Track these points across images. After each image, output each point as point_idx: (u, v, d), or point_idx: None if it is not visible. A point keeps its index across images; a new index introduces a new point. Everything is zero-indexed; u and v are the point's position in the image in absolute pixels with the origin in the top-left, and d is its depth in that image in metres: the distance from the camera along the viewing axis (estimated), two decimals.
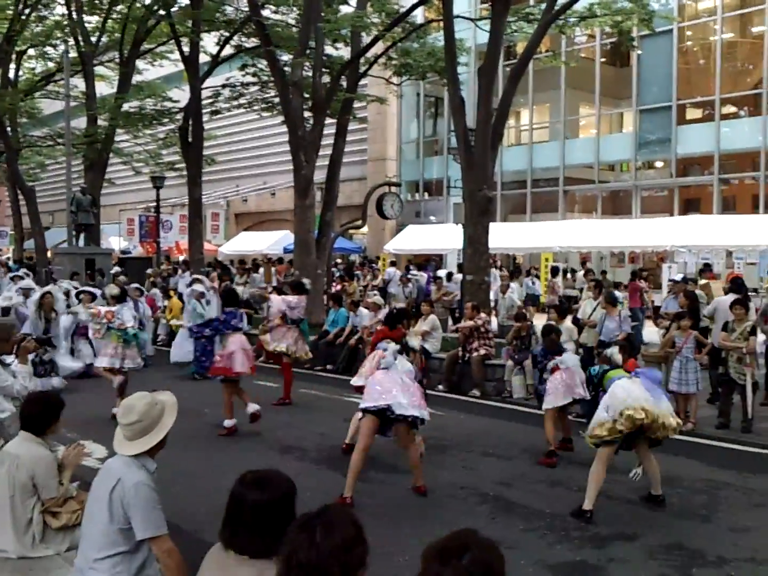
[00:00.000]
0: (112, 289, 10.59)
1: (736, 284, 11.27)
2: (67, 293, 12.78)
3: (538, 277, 19.16)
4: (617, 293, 12.19)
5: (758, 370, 9.79)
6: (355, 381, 8.33)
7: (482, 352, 11.64)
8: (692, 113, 26.47)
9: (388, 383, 6.51)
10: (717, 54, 24.27)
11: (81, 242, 21.97)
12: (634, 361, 9.67)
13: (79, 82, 26.18)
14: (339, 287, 18.55)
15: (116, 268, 17.56)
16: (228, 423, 9.07)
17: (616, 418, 6.07)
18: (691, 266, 21.37)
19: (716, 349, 9.75)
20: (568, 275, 21.47)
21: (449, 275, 18.29)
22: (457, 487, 6.99)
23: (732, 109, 25.59)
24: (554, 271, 20.29)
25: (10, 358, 5.63)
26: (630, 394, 6.12)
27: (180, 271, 21.11)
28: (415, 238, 28.10)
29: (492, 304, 15.05)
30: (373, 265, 24.76)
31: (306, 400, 11.17)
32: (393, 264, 24.94)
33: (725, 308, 10.45)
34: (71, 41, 24.81)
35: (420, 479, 6.75)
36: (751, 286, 17.97)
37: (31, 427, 4.30)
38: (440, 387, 11.99)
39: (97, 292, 12.90)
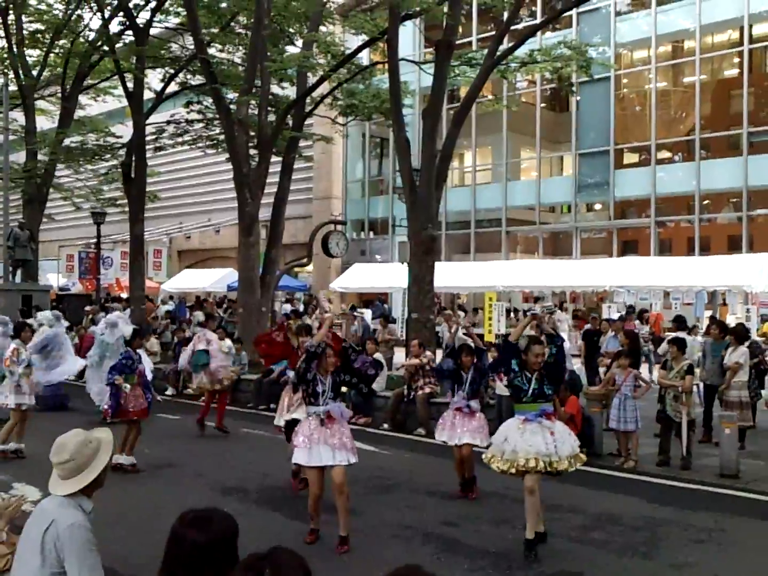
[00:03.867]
0: None
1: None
2: None
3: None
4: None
5: (696, 408, 9.99)
6: (277, 421, 8.33)
7: (427, 390, 11.63)
8: (629, 158, 27.32)
9: (313, 433, 6.32)
10: (652, 101, 25.19)
11: (18, 278, 21.41)
12: (576, 399, 9.86)
13: (18, 116, 25.73)
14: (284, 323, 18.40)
15: None
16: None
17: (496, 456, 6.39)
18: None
19: None
20: (512, 315, 21.69)
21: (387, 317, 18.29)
22: (401, 526, 6.91)
23: (667, 154, 26.51)
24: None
25: None
26: (510, 441, 6.26)
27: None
28: (360, 277, 28.15)
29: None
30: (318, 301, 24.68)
31: (249, 440, 10.99)
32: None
33: None
34: (11, 74, 24.42)
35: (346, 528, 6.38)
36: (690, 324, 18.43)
37: None
38: (385, 426, 11.92)
39: (7, 318, 12.56)
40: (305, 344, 6.84)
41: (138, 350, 9.74)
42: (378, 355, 12.97)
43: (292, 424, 7.41)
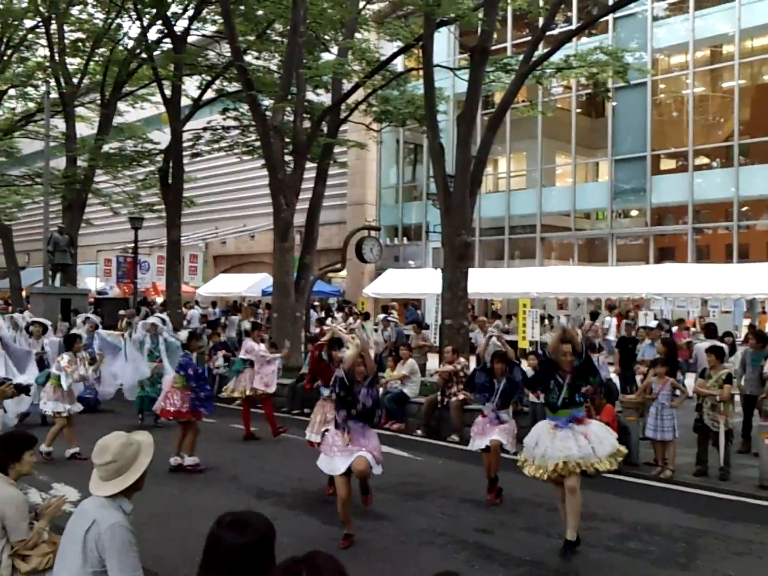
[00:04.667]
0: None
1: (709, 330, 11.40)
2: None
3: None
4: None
5: (734, 417, 9.82)
6: (309, 436, 8.37)
7: (461, 396, 11.59)
8: (666, 164, 27.00)
9: (336, 444, 6.60)
10: (689, 107, 24.88)
11: (57, 282, 21.79)
12: (611, 407, 9.76)
13: (59, 123, 26.22)
14: (318, 330, 18.48)
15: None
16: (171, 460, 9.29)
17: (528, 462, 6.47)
18: (667, 314, 21.60)
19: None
20: (546, 321, 21.55)
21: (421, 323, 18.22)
22: (435, 533, 6.90)
23: (705, 160, 26.14)
24: (593, 315, 19.82)
25: None
26: (540, 446, 6.29)
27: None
28: (393, 282, 28.16)
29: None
30: (352, 307, 24.73)
31: (283, 445, 11.03)
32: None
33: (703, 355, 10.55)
34: (52, 82, 24.91)
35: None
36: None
37: None
38: (419, 432, 11.90)
39: (48, 322, 12.89)
40: (336, 373, 6.91)
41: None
42: (411, 362, 12.98)
43: None
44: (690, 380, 12.11)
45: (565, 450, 6.11)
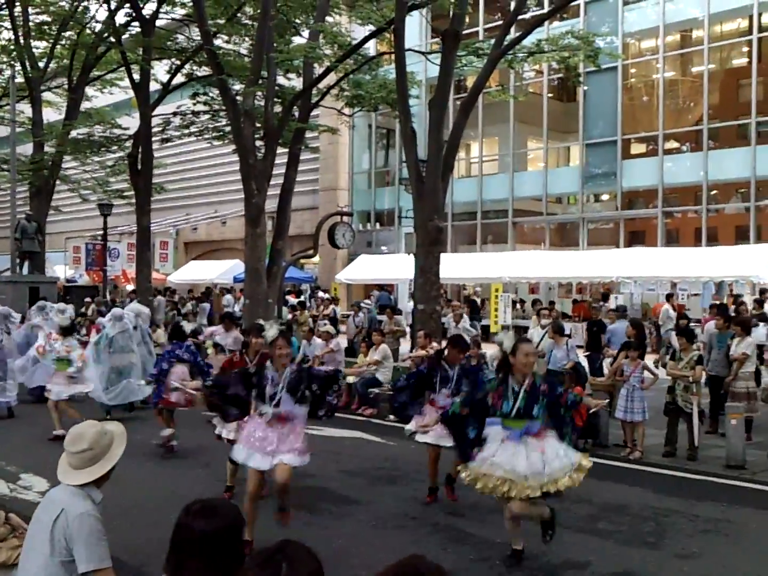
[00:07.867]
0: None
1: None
2: None
3: None
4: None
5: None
6: (218, 430, 7.84)
7: None
8: (637, 148, 27.21)
9: (261, 434, 5.90)
10: (660, 91, 25.06)
11: (25, 270, 21.48)
12: (581, 390, 9.85)
13: (25, 108, 25.76)
14: (290, 316, 18.44)
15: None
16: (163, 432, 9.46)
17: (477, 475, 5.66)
18: (637, 297, 21.83)
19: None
20: (518, 305, 21.71)
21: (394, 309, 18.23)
22: (408, 517, 6.93)
23: (675, 144, 26.39)
24: (605, 297, 19.95)
25: None
26: (487, 449, 5.63)
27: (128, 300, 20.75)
28: (366, 268, 28.15)
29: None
30: (324, 294, 24.70)
31: None
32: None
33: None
34: (18, 66, 24.44)
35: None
36: (695, 316, 18.43)
37: None
38: (391, 417, 11.91)
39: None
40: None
41: None
42: (384, 347, 12.99)
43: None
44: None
45: (512, 465, 5.41)
